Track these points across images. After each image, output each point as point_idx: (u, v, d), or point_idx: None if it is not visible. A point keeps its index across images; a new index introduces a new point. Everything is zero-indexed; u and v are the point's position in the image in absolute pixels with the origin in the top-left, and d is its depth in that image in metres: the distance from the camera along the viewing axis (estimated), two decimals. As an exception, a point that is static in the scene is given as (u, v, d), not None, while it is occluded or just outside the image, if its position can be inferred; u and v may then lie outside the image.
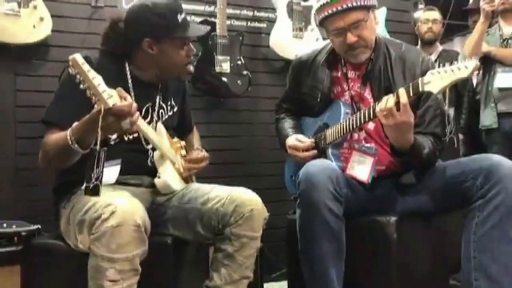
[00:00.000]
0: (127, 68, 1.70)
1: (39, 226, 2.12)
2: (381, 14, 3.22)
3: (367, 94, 1.89)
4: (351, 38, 1.79)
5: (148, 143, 1.69)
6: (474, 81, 3.28)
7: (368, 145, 1.85)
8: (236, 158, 2.98)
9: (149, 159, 1.70)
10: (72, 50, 2.60)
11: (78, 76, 1.28)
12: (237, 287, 1.63)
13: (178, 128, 1.90)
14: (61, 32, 2.61)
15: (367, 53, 1.87)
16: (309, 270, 1.70)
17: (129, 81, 1.68)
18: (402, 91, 1.59)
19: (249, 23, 3.06)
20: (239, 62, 2.85)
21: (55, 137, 1.49)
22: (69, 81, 1.58)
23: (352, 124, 1.77)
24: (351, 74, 1.94)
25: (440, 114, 1.82)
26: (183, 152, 1.84)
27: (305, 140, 1.94)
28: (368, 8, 1.81)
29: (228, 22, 2.87)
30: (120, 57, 1.70)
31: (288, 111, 2.16)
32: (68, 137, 1.39)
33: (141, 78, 1.72)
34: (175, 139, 1.83)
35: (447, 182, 1.73)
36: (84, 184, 1.30)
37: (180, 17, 1.66)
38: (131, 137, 1.64)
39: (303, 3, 2.99)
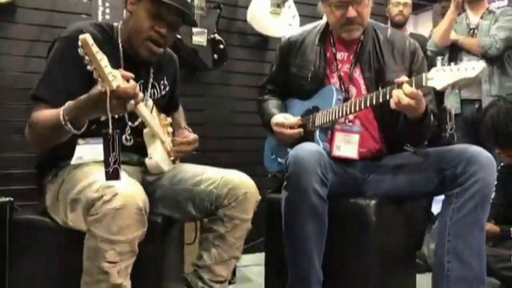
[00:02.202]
0: (119, 42, 1.64)
1: (11, 199, 2.04)
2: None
3: (358, 75, 1.93)
4: (352, 12, 1.82)
5: (133, 120, 1.65)
6: (439, 65, 3.40)
7: (350, 123, 1.90)
8: (208, 132, 2.96)
9: (124, 136, 1.64)
10: (40, 13, 2.51)
11: (86, 57, 1.23)
12: (226, 266, 1.67)
13: (166, 106, 1.86)
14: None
15: (360, 31, 1.91)
16: (292, 249, 1.75)
17: (121, 56, 1.63)
18: (408, 87, 1.60)
19: (226, -5, 3.01)
20: (216, 35, 2.81)
21: (45, 115, 1.43)
22: (62, 56, 1.53)
23: (346, 111, 1.81)
24: (340, 55, 1.97)
25: (431, 94, 1.87)
26: (170, 129, 1.82)
27: (292, 118, 1.97)
28: None
29: (205, -7, 2.81)
30: (111, 30, 1.64)
31: (273, 92, 2.17)
32: (61, 117, 1.34)
33: (132, 53, 1.66)
34: (162, 116, 1.80)
35: (427, 168, 1.80)
36: (104, 170, 1.26)
37: None
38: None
39: (282, -21, 2.97)
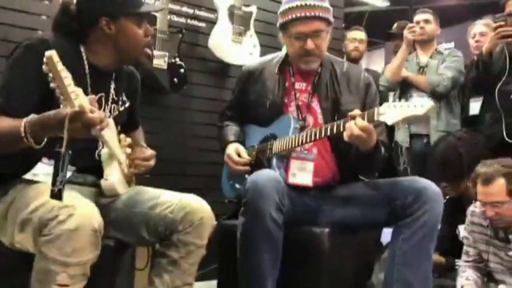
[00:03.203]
0: (83, 54, 1.62)
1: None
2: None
3: (315, 105, 1.99)
4: (310, 44, 1.89)
5: (95, 140, 1.62)
6: (390, 100, 3.55)
7: (305, 151, 1.94)
8: (165, 156, 2.92)
9: (96, 154, 1.63)
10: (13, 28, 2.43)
11: (50, 74, 1.21)
12: (179, 293, 1.63)
13: (126, 124, 1.83)
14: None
15: (317, 62, 1.98)
16: (246, 274, 1.75)
17: (86, 68, 1.61)
18: (360, 121, 1.67)
19: (188, 21, 3.03)
20: (177, 60, 2.82)
21: (2, 124, 1.38)
22: (22, 63, 1.49)
23: (302, 140, 1.85)
24: (298, 85, 2.03)
25: (384, 126, 1.92)
26: (128, 150, 1.79)
27: (244, 156, 2.01)
28: (329, 23, 1.93)
29: (167, 17, 2.82)
30: (75, 41, 1.62)
31: (233, 119, 2.19)
32: (22, 130, 1.30)
33: (97, 64, 1.64)
34: (122, 136, 1.77)
35: (377, 198, 1.87)
36: (50, 188, 1.23)
37: None
38: None
39: (244, 8, 3.03)
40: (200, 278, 1.77)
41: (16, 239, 1.39)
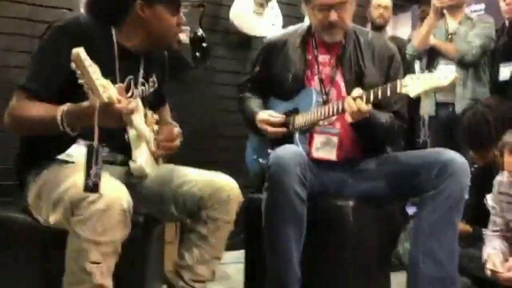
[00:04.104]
0: (114, 36, 1.63)
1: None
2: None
3: (338, 78, 1.97)
4: (334, 16, 1.86)
5: None
6: (417, 68, 3.48)
7: (329, 126, 1.94)
8: (188, 130, 2.95)
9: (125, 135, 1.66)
10: (22, 6, 2.47)
11: (78, 71, 1.24)
12: (208, 266, 1.69)
13: (154, 102, 1.86)
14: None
15: (341, 34, 1.95)
16: (272, 249, 1.78)
17: (115, 51, 1.62)
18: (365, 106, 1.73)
19: (210, -7, 3.02)
20: (199, 33, 2.82)
21: (37, 110, 1.44)
22: (54, 46, 1.51)
23: (324, 114, 1.84)
24: (321, 58, 2.00)
25: (404, 97, 1.89)
26: (156, 127, 1.82)
27: (277, 115, 1.99)
28: None
29: (189, -10, 2.81)
30: (107, 23, 1.63)
31: (254, 91, 2.18)
32: (59, 120, 1.37)
33: (128, 48, 1.66)
34: (150, 114, 1.79)
35: (403, 171, 1.86)
36: (83, 181, 1.28)
37: None
38: None
39: (266, -21, 2.99)
40: (227, 248, 1.83)
41: (50, 218, 1.45)
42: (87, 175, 1.27)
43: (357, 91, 1.78)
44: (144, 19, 1.62)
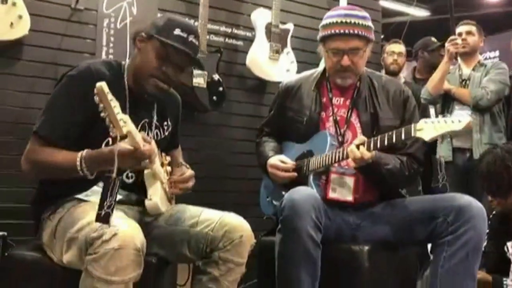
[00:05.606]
0: (125, 80, 1.68)
1: (5, 233, 2.04)
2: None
3: (354, 120, 1.99)
4: (346, 61, 1.90)
5: None
6: (432, 113, 3.49)
7: (345, 166, 1.94)
8: (204, 172, 2.98)
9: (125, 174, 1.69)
10: (46, 51, 2.58)
11: (101, 105, 1.29)
12: (219, 310, 1.66)
13: (167, 145, 1.89)
14: (37, 32, 2.55)
15: (353, 79, 1.98)
16: (285, 293, 1.75)
17: (127, 95, 1.67)
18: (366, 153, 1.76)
19: (227, 40, 3.10)
20: (216, 78, 2.88)
21: (56, 156, 1.49)
22: (66, 94, 1.57)
23: (338, 157, 1.85)
24: (336, 100, 2.03)
25: (420, 140, 1.86)
26: (169, 168, 1.85)
27: (288, 161, 2.00)
28: (368, 41, 1.94)
29: (206, 37, 2.90)
30: (119, 67, 1.69)
31: (270, 135, 2.21)
32: (78, 164, 1.43)
33: (137, 92, 1.70)
34: (163, 155, 1.83)
35: (418, 216, 1.83)
36: (96, 211, 1.30)
37: (179, 32, 1.60)
38: None
39: (281, 26, 3.07)
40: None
41: (64, 256, 1.46)
42: (101, 206, 1.29)
43: (360, 139, 1.80)
44: (137, 50, 1.67)
